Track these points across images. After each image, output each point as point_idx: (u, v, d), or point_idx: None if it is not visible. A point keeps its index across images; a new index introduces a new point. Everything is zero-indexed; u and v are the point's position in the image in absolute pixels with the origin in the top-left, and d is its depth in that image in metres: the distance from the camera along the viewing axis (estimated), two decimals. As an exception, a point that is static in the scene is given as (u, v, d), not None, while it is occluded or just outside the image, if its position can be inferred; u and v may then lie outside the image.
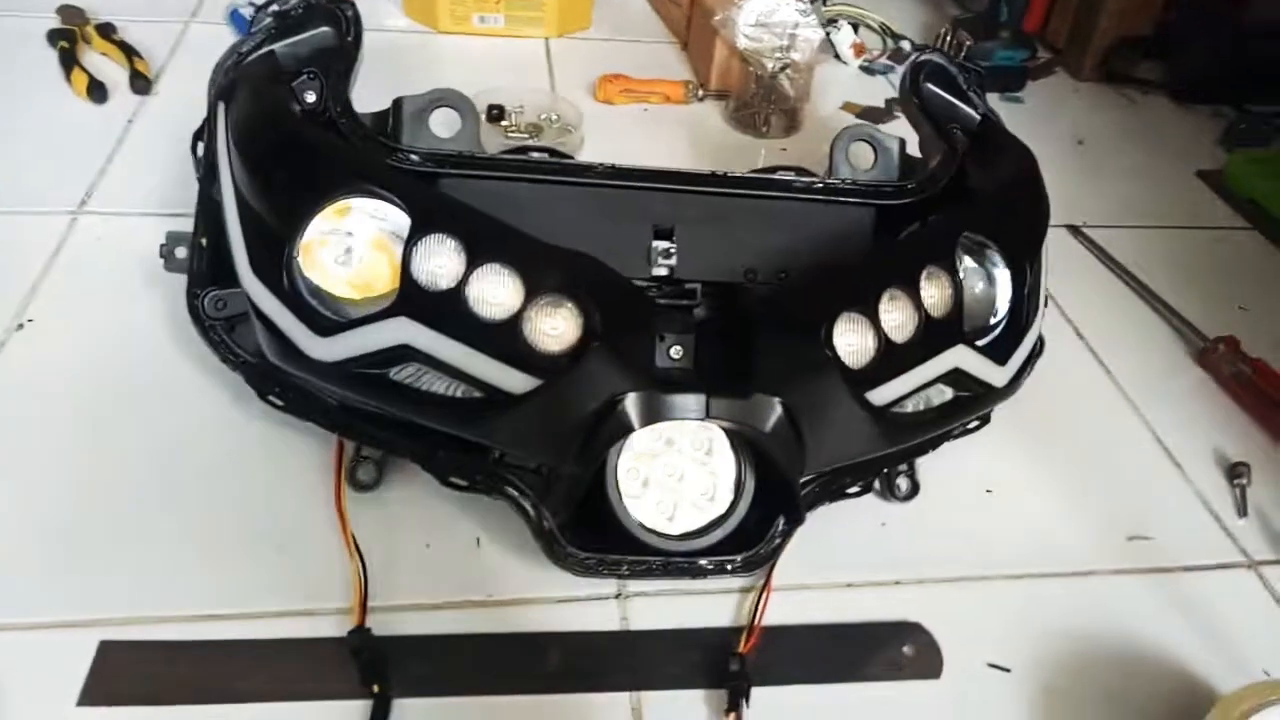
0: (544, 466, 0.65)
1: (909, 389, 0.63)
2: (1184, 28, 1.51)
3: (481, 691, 0.64)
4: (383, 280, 0.61)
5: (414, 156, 0.71)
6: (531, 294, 0.57)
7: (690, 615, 0.70)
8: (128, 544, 0.70)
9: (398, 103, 0.75)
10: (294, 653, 0.64)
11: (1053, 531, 0.81)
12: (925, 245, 0.67)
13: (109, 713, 0.61)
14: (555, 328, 0.57)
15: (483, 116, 1.22)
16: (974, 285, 0.68)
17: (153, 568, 0.69)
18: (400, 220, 0.60)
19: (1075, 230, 1.19)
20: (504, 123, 1.22)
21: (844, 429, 0.61)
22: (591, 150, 1.23)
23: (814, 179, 0.77)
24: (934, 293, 0.64)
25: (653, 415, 0.57)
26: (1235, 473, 0.87)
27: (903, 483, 0.79)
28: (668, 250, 0.72)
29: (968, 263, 0.67)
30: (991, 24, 1.47)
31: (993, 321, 0.69)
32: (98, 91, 1.17)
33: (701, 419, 0.57)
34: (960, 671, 0.69)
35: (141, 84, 1.20)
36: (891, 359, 0.61)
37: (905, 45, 1.56)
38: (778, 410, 0.58)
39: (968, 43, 1.45)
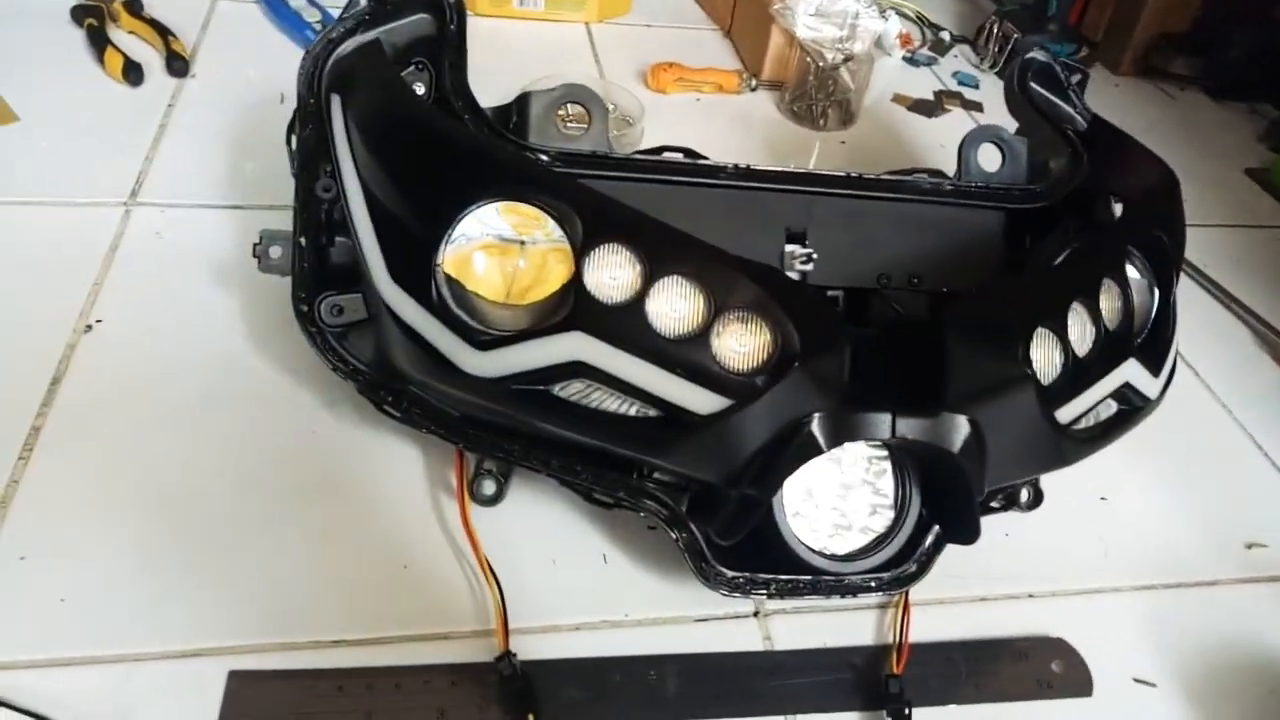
0: (694, 483, 0.62)
1: (1092, 403, 0.61)
2: (1222, 23, 1.51)
3: (636, 718, 0.62)
4: (544, 290, 0.57)
5: (544, 156, 0.67)
6: (720, 308, 0.53)
7: (833, 634, 0.68)
8: (243, 566, 0.66)
9: (523, 98, 0.71)
10: (437, 680, 0.61)
11: (1171, 540, 0.80)
12: (1101, 255, 0.65)
13: (249, 748, 0.57)
14: (744, 344, 0.54)
15: (539, 105, 1.17)
16: (1136, 296, 0.66)
17: (273, 591, 0.65)
18: (558, 226, 0.57)
19: (1140, 228, 1.18)
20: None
21: (1030, 448, 0.59)
22: (650, 141, 1.20)
23: (945, 180, 0.75)
24: (1108, 304, 0.62)
25: (841, 436, 0.54)
26: (1337, 478, 0.87)
27: (1026, 492, 0.77)
28: (807, 255, 0.69)
29: (1130, 273, 0.65)
30: (1039, 17, 1.45)
31: (1147, 332, 0.67)
32: (134, 73, 1.10)
33: (889, 439, 0.55)
34: (1109, 688, 0.68)
35: (179, 65, 1.13)
36: (1078, 374, 0.59)
37: (945, 36, 1.55)
38: (966, 429, 0.55)
39: (1015, 36, 1.44)
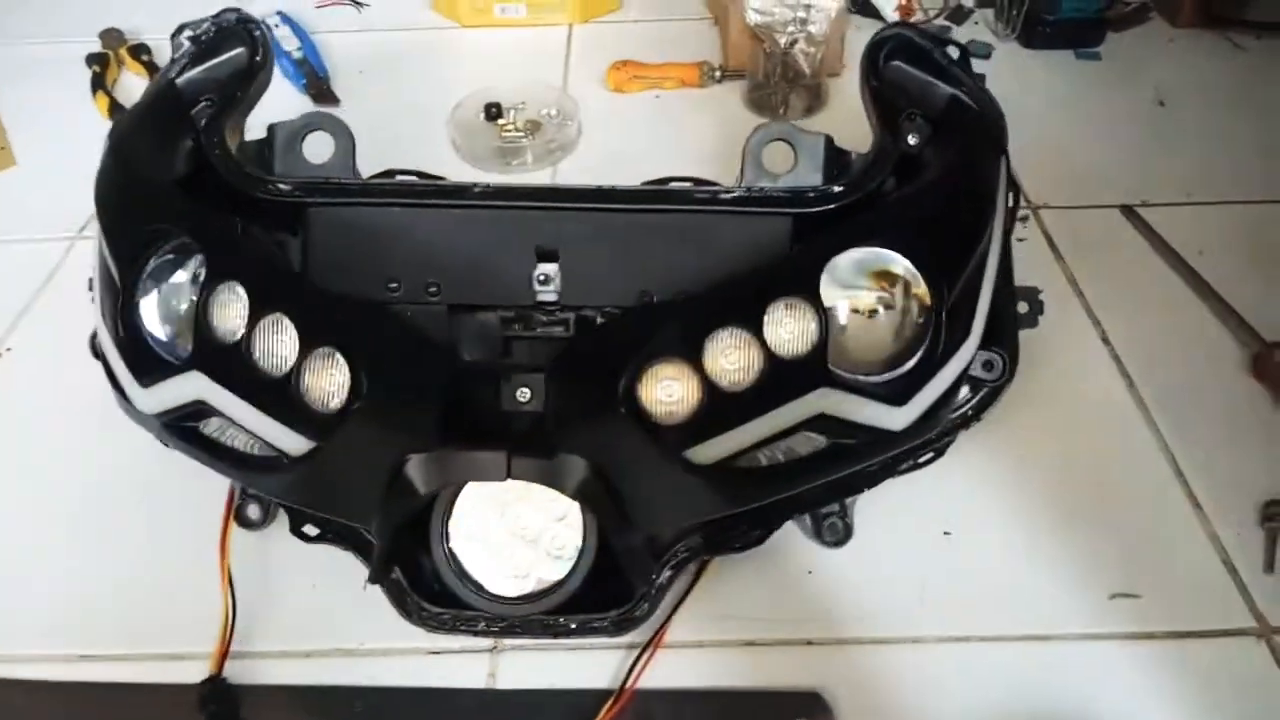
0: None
1: (749, 442, 0.54)
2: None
3: (323, 749, 0.62)
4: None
5: (283, 186, 0.68)
6: (307, 347, 0.53)
7: (566, 674, 0.65)
8: (31, 576, 0.72)
9: (271, 129, 0.72)
10: (145, 699, 0.64)
11: (1015, 586, 0.70)
12: (778, 274, 0.57)
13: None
14: (334, 384, 0.53)
15: (480, 117, 1.18)
16: (864, 313, 0.58)
17: (37, 605, 0.70)
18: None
19: (1130, 211, 1.03)
20: (501, 121, 1.18)
21: (666, 489, 0.54)
22: (587, 144, 1.18)
23: (717, 188, 0.69)
24: (791, 328, 0.55)
25: (444, 476, 0.52)
26: (1269, 514, 0.72)
27: (835, 524, 0.70)
28: (546, 275, 0.66)
29: (858, 284, 0.57)
30: (1060, -27, 1.29)
31: (891, 354, 0.58)
32: (119, 113, 1.21)
33: (501, 480, 0.52)
34: (857, 755, 0.61)
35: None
36: (719, 411, 0.53)
37: (968, 1, 1.41)
38: (582, 471, 0.51)
39: (1032, -5, 1.28)
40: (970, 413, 0.68)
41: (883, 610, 0.68)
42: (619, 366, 0.53)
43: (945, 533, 0.73)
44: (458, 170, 1.12)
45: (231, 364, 0.54)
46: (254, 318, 0.54)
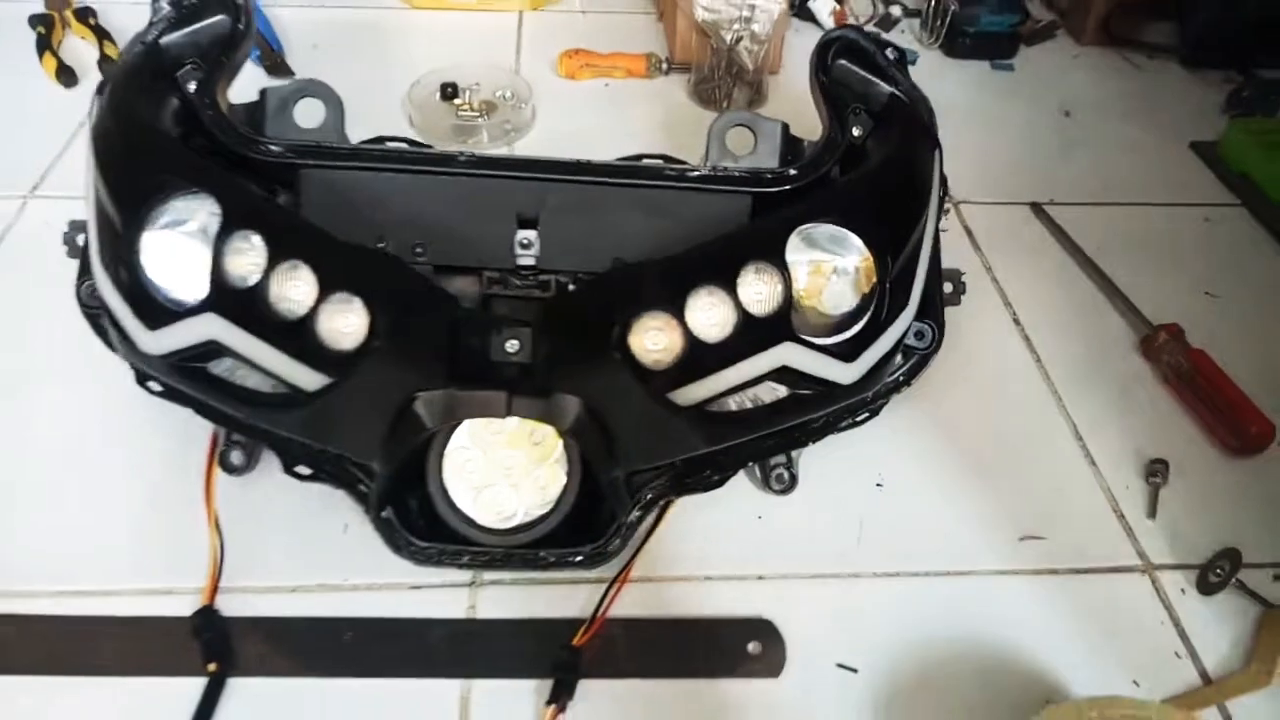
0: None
1: (723, 388, 0.61)
2: (1193, -15, 1.41)
3: (315, 673, 0.66)
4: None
5: (274, 148, 0.71)
6: (325, 291, 0.57)
7: (542, 605, 0.71)
8: (9, 515, 0.74)
9: (263, 94, 0.75)
10: (140, 630, 0.67)
11: (939, 528, 0.78)
12: (750, 240, 0.65)
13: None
14: (349, 326, 0.58)
15: (436, 96, 1.22)
16: (822, 278, 0.65)
17: (25, 543, 0.72)
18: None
19: (1038, 208, 1.13)
20: (457, 101, 1.22)
21: (650, 428, 0.60)
22: (541, 128, 1.23)
23: (685, 166, 0.76)
24: (761, 289, 0.62)
25: (449, 413, 0.57)
26: (1151, 471, 0.82)
27: (782, 474, 0.78)
28: (527, 240, 0.72)
29: (814, 255, 0.65)
30: (979, -12, 1.40)
31: (842, 315, 0.66)
32: (66, 75, 1.21)
33: (502, 416, 0.57)
34: (805, 671, 0.68)
35: (110, 68, 1.23)
36: (698, 358, 0.60)
37: (895, 11, 1.51)
38: (576, 409, 0.57)
39: (953, 8, 1.38)
40: (902, 378, 0.76)
41: (824, 550, 0.76)
42: (611, 318, 0.59)
43: (878, 484, 0.81)
44: (417, 146, 1.15)
45: (248, 307, 0.58)
46: (272, 263, 0.58)
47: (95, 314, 0.74)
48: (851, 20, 1.46)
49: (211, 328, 0.59)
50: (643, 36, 1.43)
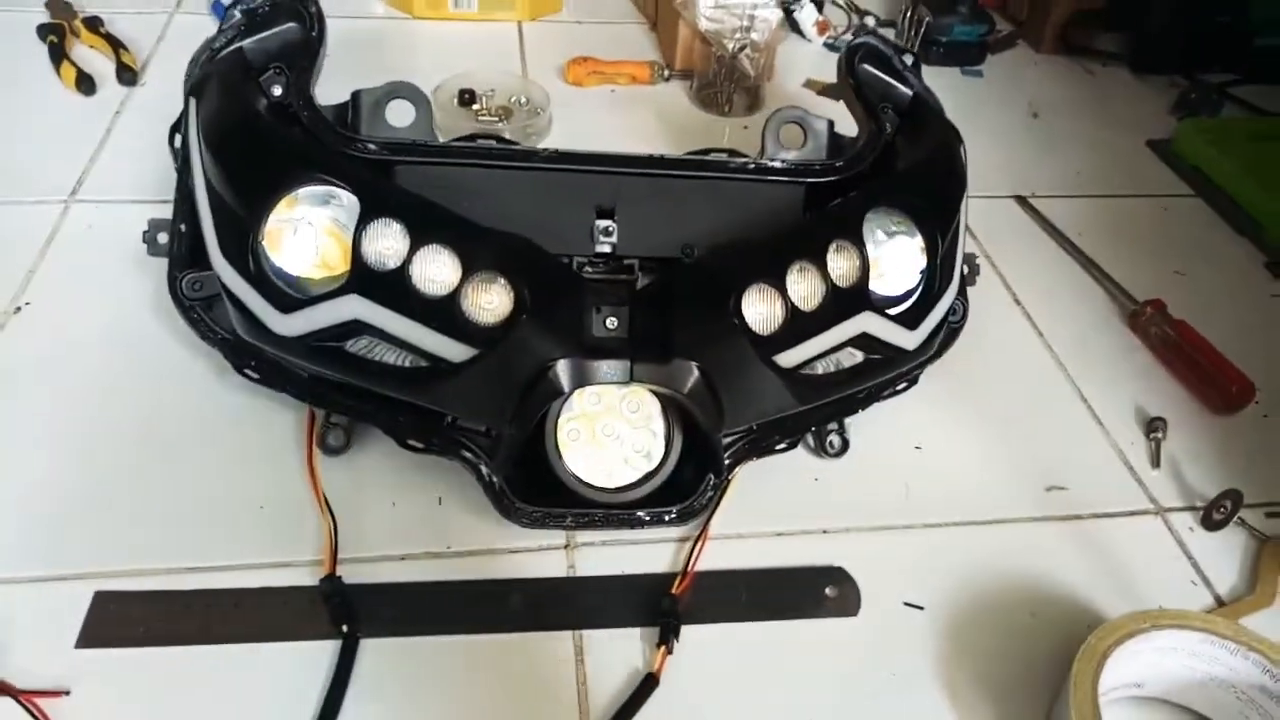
0: (492, 429, 0.72)
1: (817, 352, 0.69)
2: (1140, -2, 1.55)
3: (440, 631, 0.71)
4: (337, 262, 0.67)
5: (371, 146, 0.76)
6: (468, 272, 0.63)
7: (633, 563, 0.77)
8: (121, 505, 0.77)
9: (356, 95, 0.80)
10: (271, 599, 0.71)
11: (975, 484, 0.87)
12: (833, 222, 0.72)
13: (103, 654, 0.68)
14: (490, 302, 0.64)
15: (455, 101, 1.27)
16: (888, 256, 0.73)
17: (143, 527, 0.75)
18: (351, 207, 0.66)
19: (1022, 200, 1.24)
20: (475, 106, 1.27)
21: (756, 389, 0.67)
22: (559, 131, 1.29)
23: (746, 159, 0.83)
24: (842, 264, 0.69)
25: (581, 379, 0.63)
26: (1152, 427, 0.93)
27: (835, 440, 0.85)
28: (608, 229, 0.78)
29: (880, 235, 0.73)
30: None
31: (905, 290, 0.74)
32: (86, 84, 1.23)
33: (626, 382, 0.64)
34: (878, 610, 0.76)
35: (128, 76, 1.25)
36: (798, 325, 0.68)
37: (870, 21, 1.61)
38: (694, 374, 0.64)
39: (927, 19, 1.49)
40: (936, 349, 0.85)
41: (878, 506, 0.84)
42: (728, 289, 0.66)
43: (916, 447, 0.90)
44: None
45: (391, 288, 0.63)
46: (414, 248, 0.63)
47: (193, 307, 0.79)
48: (830, 31, 1.56)
49: (355, 308, 0.64)
50: (636, 45, 1.50)
